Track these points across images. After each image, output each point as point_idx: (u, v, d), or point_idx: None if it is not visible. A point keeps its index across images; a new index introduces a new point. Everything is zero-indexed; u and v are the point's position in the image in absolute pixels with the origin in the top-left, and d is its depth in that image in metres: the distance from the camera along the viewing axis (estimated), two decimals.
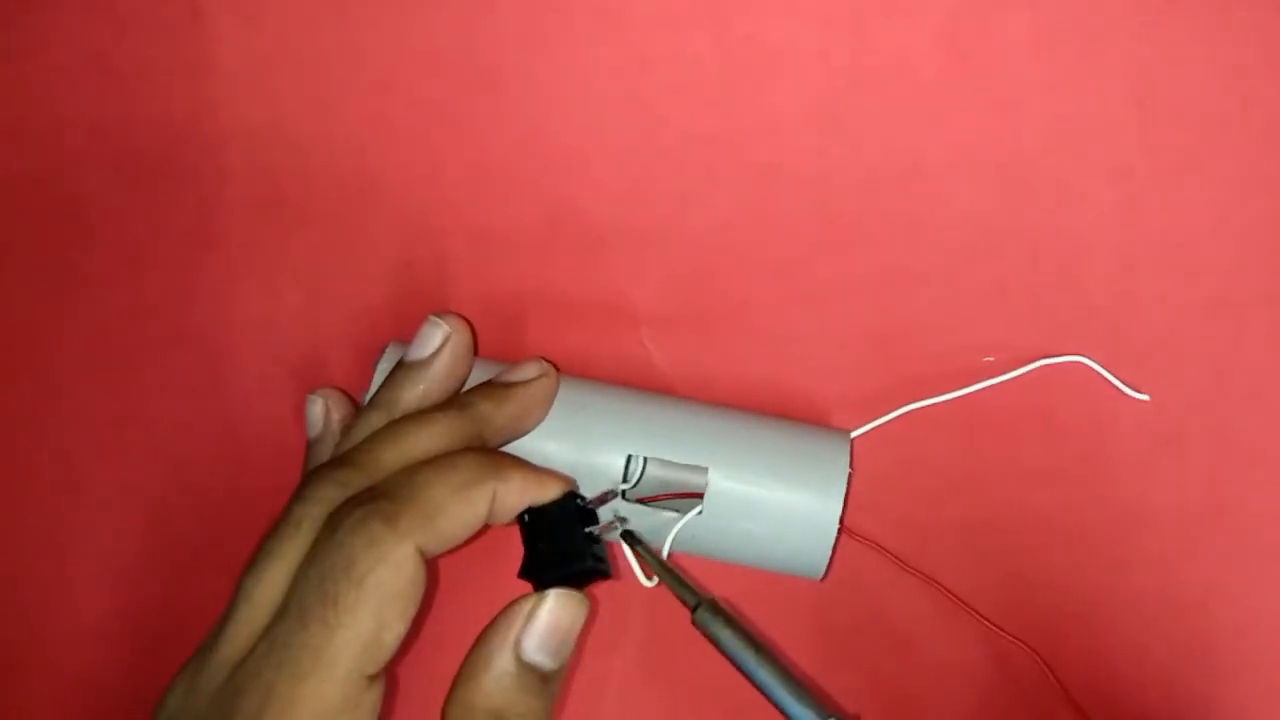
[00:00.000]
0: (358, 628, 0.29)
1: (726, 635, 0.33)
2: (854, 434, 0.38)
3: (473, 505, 0.31)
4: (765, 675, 0.32)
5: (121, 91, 0.43)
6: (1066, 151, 0.39)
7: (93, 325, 0.43)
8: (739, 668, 0.33)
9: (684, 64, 0.40)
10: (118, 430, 0.43)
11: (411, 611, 0.30)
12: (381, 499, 0.30)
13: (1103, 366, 0.39)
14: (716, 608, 0.33)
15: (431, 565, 0.31)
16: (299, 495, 0.31)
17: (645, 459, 0.37)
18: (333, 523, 0.30)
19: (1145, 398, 0.39)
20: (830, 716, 0.32)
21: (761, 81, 0.39)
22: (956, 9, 0.38)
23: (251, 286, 0.42)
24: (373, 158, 0.42)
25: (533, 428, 0.36)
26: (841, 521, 0.36)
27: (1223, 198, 0.38)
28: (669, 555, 0.36)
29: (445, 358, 0.36)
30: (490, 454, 0.34)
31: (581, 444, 0.37)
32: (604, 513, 0.35)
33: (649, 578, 0.35)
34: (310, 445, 0.38)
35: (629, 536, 0.35)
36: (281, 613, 0.30)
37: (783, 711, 0.32)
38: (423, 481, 0.31)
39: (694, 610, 0.33)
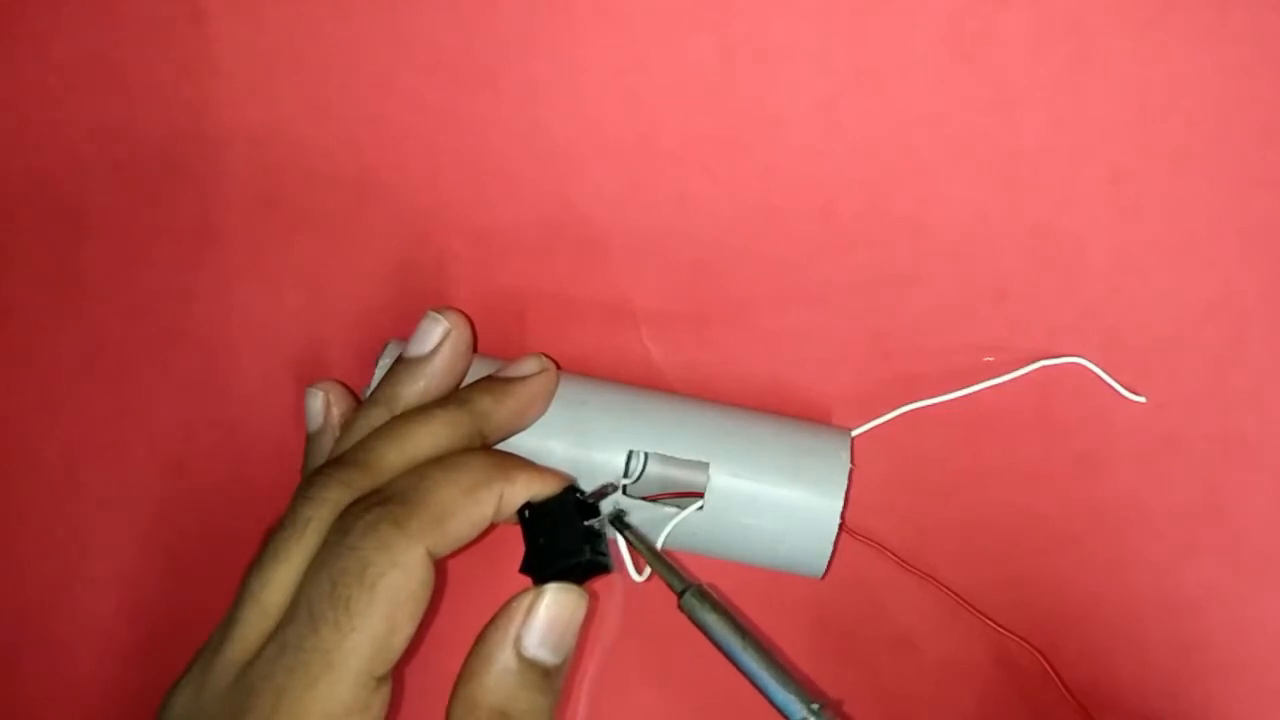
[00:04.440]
0: (369, 631, 0.29)
1: (712, 620, 0.33)
2: (854, 433, 0.38)
3: (481, 507, 0.32)
4: (750, 661, 0.33)
5: (121, 91, 0.43)
6: (1066, 151, 0.39)
7: (93, 325, 0.43)
8: (724, 653, 0.33)
9: (684, 64, 0.40)
10: (118, 430, 0.43)
11: (420, 613, 0.30)
12: (392, 502, 0.30)
13: (1101, 367, 0.39)
14: (703, 593, 0.33)
15: (440, 566, 0.31)
16: (304, 495, 0.31)
17: (646, 455, 0.37)
18: (342, 525, 0.30)
19: (1142, 399, 0.39)
20: (814, 703, 0.32)
21: (761, 81, 0.39)
22: (957, 9, 0.38)
23: (251, 286, 0.42)
24: (373, 158, 0.42)
25: (532, 423, 0.36)
26: (842, 520, 0.36)
27: (1223, 198, 0.38)
28: (664, 549, 0.36)
29: (445, 353, 0.36)
30: (496, 454, 0.34)
31: (582, 440, 0.37)
32: (605, 507, 0.35)
33: (639, 571, 0.35)
34: (310, 439, 0.38)
35: (618, 521, 0.35)
36: (291, 615, 0.30)
37: (767, 697, 0.32)
38: (432, 484, 0.31)
39: (681, 595, 0.34)
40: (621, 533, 0.35)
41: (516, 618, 0.31)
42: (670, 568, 0.34)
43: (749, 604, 0.39)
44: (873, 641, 0.40)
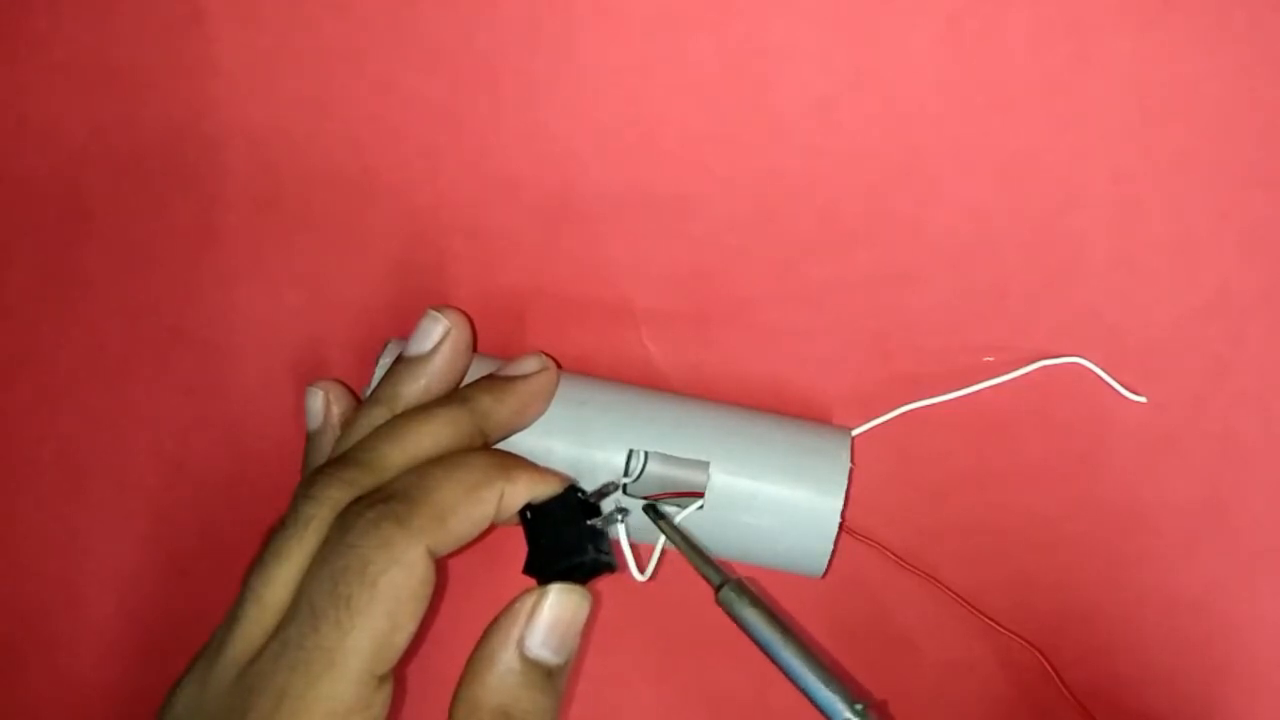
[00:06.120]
0: (370, 629, 0.29)
1: (751, 615, 0.32)
2: (854, 433, 0.38)
3: (482, 505, 0.32)
4: (791, 658, 0.32)
5: (121, 91, 0.43)
6: (1066, 151, 0.39)
7: (93, 325, 0.43)
8: (763, 649, 0.32)
9: (684, 64, 0.40)
10: (118, 430, 0.43)
11: (422, 611, 0.30)
12: (393, 500, 0.30)
13: (1102, 367, 0.39)
14: (743, 587, 0.33)
15: (441, 565, 0.31)
16: (306, 494, 0.31)
17: (646, 454, 0.37)
18: (343, 524, 0.30)
19: (1143, 399, 0.39)
20: (857, 703, 0.31)
21: (761, 81, 0.39)
22: (957, 9, 0.38)
23: (252, 286, 0.42)
24: (373, 158, 0.42)
25: (533, 422, 0.37)
26: (842, 519, 0.36)
27: (1223, 198, 0.38)
28: (666, 549, 0.36)
29: (445, 352, 0.36)
30: (497, 454, 0.34)
31: (583, 439, 0.37)
32: (606, 505, 0.35)
33: (641, 570, 0.35)
34: (310, 438, 0.38)
35: (653, 511, 0.34)
36: (292, 613, 0.30)
37: (808, 696, 0.32)
38: (433, 482, 0.31)
39: (718, 589, 0.33)
40: (657, 523, 0.34)
41: (520, 618, 0.31)
42: (708, 560, 0.33)
43: None
44: (873, 641, 0.40)
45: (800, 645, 0.32)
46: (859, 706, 0.31)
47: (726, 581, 0.33)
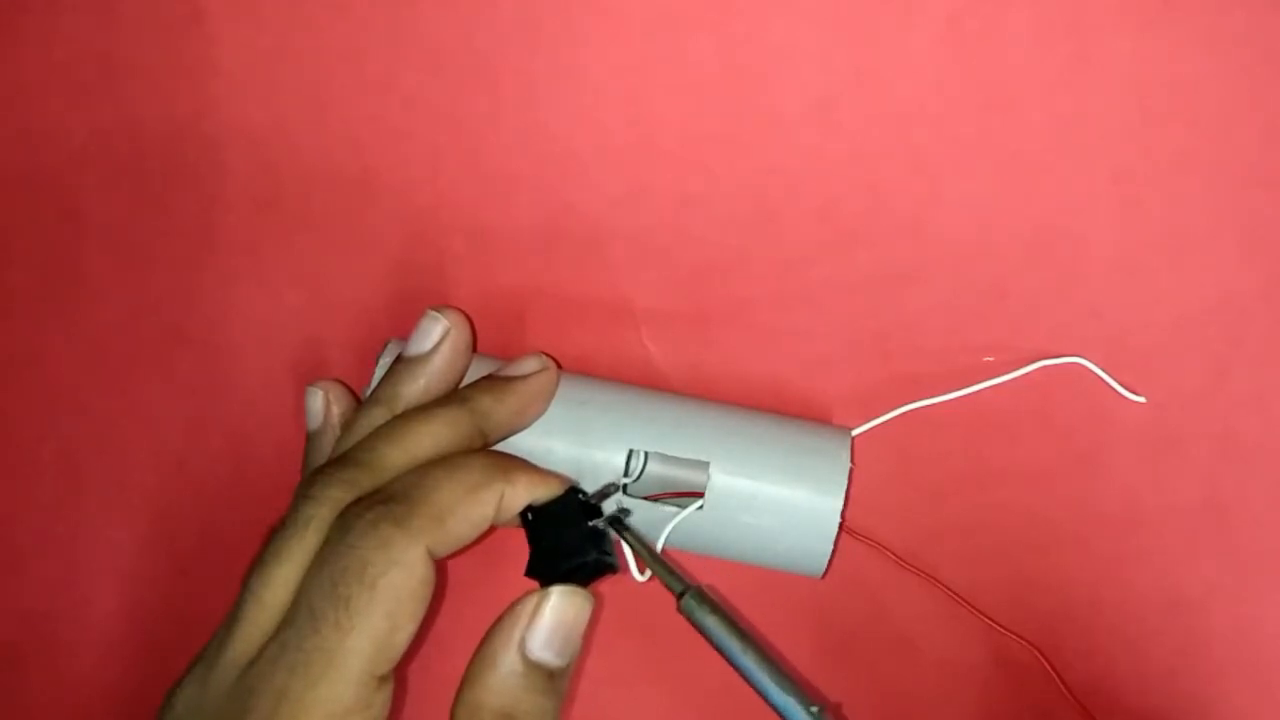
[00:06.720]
0: (370, 630, 0.29)
1: (711, 623, 0.33)
2: (854, 433, 0.38)
3: (482, 506, 0.32)
4: (749, 663, 0.32)
5: (121, 91, 0.43)
6: (1066, 151, 0.39)
7: (93, 325, 0.43)
8: (723, 655, 0.33)
9: (684, 64, 0.40)
10: (118, 430, 0.43)
11: (421, 612, 0.30)
12: (392, 501, 0.30)
13: (1102, 367, 0.39)
14: (702, 595, 0.33)
15: (441, 566, 0.31)
16: (306, 495, 0.31)
17: (646, 454, 0.37)
18: (343, 524, 0.30)
19: (1142, 400, 0.39)
20: (813, 705, 0.32)
21: (761, 81, 0.39)
22: (957, 9, 0.38)
23: (252, 286, 0.42)
24: (372, 158, 0.42)
25: (533, 422, 0.37)
26: (842, 519, 0.36)
27: (1223, 198, 0.38)
28: (665, 549, 0.36)
29: (445, 352, 0.36)
30: (496, 455, 0.34)
31: (583, 440, 0.37)
32: (608, 507, 0.35)
33: (641, 571, 0.35)
34: (310, 438, 0.38)
35: (616, 523, 0.35)
36: (292, 615, 0.30)
37: (765, 699, 0.32)
38: (433, 483, 0.31)
39: (680, 597, 0.33)
40: (620, 534, 0.35)
41: (521, 620, 0.31)
42: (669, 569, 0.34)
43: (749, 604, 0.39)
44: (873, 641, 0.40)
45: (759, 651, 0.33)
46: (814, 709, 0.32)
47: (687, 590, 0.33)
